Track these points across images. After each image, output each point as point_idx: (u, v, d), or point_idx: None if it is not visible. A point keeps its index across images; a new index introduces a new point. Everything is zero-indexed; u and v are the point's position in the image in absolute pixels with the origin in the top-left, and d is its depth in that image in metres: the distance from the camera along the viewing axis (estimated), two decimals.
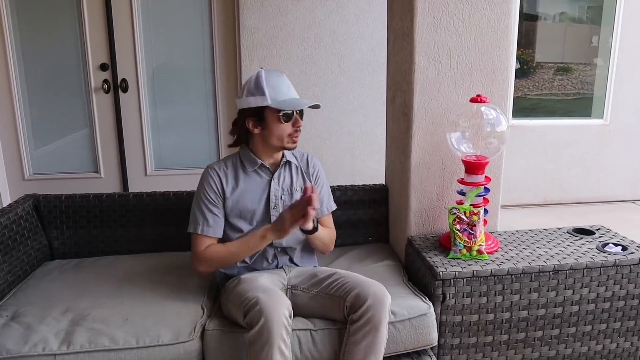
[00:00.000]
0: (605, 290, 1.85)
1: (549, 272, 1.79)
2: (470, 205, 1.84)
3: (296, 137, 1.77)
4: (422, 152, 1.99)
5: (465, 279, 1.75)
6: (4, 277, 1.90)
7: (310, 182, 1.88)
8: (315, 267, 1.91)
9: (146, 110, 3.52)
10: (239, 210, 1.79)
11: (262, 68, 1.77)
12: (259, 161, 1.81)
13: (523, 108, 4.03)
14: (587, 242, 1.99)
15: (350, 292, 1.59)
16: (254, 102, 1.71)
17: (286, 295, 1.72)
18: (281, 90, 1.72)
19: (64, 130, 3.54)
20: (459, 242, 1.81)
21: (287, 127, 1.74)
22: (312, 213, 1.59)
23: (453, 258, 1.84)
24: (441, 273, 1.73)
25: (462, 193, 1.91)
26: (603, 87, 4.00)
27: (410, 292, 1.82)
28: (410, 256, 2.01)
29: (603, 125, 3.99)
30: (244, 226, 1.80)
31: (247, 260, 1.81)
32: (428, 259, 1.84)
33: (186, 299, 1.78)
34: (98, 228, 2.22)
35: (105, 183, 3.60)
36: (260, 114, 1.73)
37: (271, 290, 1.58)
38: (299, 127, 1.76)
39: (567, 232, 2.10)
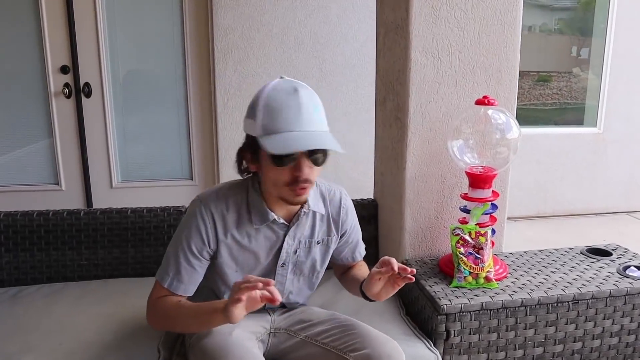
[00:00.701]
0: (630, 322, 1.62)
1: (568, 302, 1.54)
2: (476, 224, 1.58)
3: (299, 190, 1.20)
4: (419, 163, 1.74)
5: (472, 313, 1.48)
6: None
7: (338, 232, 1.44)
8: (305, 305, 1.58)
9: (111, 117, 3.23)
10: (235, 265, 1.36)
11: (282, 77, 1.23)
12: (272, 216, 1.30)
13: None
14: (605, 265, 1.76)
15: (356, 349, 1.27)
16: (247, 127, 1.21)
17: (267, 339, 1.43)
18: (279, 118, 1.15)
19: (21, 138, 3.23)
20: (464, 269, 1.56)
21: (281, 175, 1.19)
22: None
23: (457, 287, 1.58)
24: (445, 307, 1.47)
25: (465, 210, 1.66)
26: (594, 96, 3.86)
27: (410, 333, 1.54)
28: (405, 284, 1.73)
29: (597, 134, 3.82)
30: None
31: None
32: (428, 288, 1.58)
33: (139, 338, 1.48)
34: (43, 251, 1.90)
35: (67, 196, 3.29)
36: (255, 147, 1.21)
37: (245, 356, 1.25)
38: (297, 177, 1.18)
39: (581, 253, 1.86)
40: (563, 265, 1.75)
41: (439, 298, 1.50)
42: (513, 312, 1.51)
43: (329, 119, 3.64)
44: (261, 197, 1.31)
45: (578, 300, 1.55)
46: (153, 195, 3.31)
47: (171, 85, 3.28)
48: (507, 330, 1.52)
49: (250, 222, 1.32)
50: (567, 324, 1.56)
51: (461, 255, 1.56)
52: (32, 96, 3.14)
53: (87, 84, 3.13)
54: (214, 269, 1.37)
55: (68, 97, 3.13)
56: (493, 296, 1.52)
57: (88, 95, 3.15)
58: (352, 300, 1.72)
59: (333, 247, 1.46)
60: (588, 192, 3.83)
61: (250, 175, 1.33)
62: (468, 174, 1.63)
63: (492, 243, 1.66)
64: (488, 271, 1.56)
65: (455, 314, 1.47)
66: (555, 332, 1.56)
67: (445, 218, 1.79)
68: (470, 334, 1.50)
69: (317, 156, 1.19)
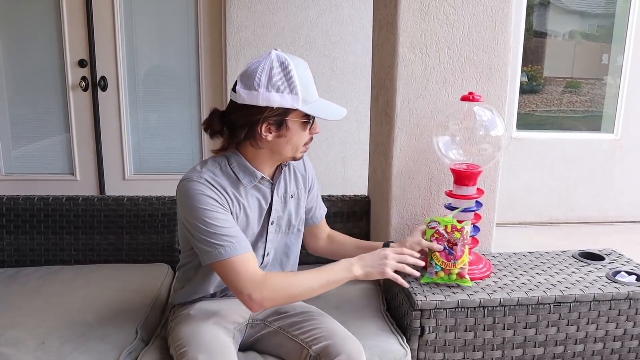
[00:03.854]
0: (616, 328, 1.57)
1: (549, 304, 1.51)
2: (453, 217, 1.55)
3: (307, 147, 1.42)
4: (406, 159, 1.73)
5: (448, 310, 1.47)
6: None
7: (306, 185, 1.55)
8: None
9: (126, 110, 3.32)
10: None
11: (277, 49, 1.33)
12: (259, 173, 1.39)
13: (529, 124, 3.82)
14: (595, 269, 1.71)
15: (318, 342, 1.30)
16: (279, 100, 1.27)
17: (245, 330, 1.46)
18: (312, 90, 1.34)
19: (39, 129, 3.35)
20: (436, 264, 1.52)
21: (306, 135, 1.38)
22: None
23: (428, 282, 1.55)
24: (419, 302, 1.46)
25: (450, 207, 1.65)
26: (614, 103, 3.76)
27: (386, 328, 1.54)
28: (388, 280, 1.73)
29: (614, 140, 3.72)
30: None
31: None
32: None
33: (120, 320, 1.52)
34: (42, 234, 1.97)
35: (81, 186, 3.39)
36: (281, 117, 1.31)
37: (217, 348, 1.27)
38: (313, 134, 1.41)
39: (573, 257, 1.82)
40: (551, 267, 1.72)
41: (415, 294, 1.49)
42: (491, 312, 1.49)
43: None
44: (245, 159, 1.38)
45: (560, 302, 1.51)
46: (164, 187, 3.35)
47: (184, 81, 3.34)
48: (484, 330, 1.50)
49: (241, 183, 1.39)
50: (548, 326, 1.53)
51: (434, 250, 1.53)
52: (52, 89, 3.25)
53: (103, 78, 3.22)
54: None
55: (85, 90, 3.22)
56: (471, 294, 1.50)
57: (104, 88, 3.24)
58: (334, 295, 1.72)
59: (303, 201, 1.55)
60: (603, 200, 3.73)
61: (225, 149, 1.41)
62: (453, 170, 1.61)
63: (476, 241, 1.64)
64: (462, 267, 1.53)
65: (430, 310, 1.46)
66: (536, 334, 1.53)
67: (432, 215, 1.78)
68: (445, 331, 1.48)
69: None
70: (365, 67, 3.32)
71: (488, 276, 1.63)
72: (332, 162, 3.43)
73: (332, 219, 2.00)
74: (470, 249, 1.58)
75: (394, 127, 1.70)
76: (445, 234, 1.52)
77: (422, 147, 1.72)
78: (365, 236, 2.05)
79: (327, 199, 2.02)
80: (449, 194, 1.63)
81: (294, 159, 1.42)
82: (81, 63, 3.19)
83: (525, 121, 3.80)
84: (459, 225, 1.51)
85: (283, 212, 1.48)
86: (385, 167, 1.78)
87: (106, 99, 3.27)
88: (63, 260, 1.98)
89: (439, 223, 1.53)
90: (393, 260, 1.37)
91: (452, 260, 1.51)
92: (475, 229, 1.64)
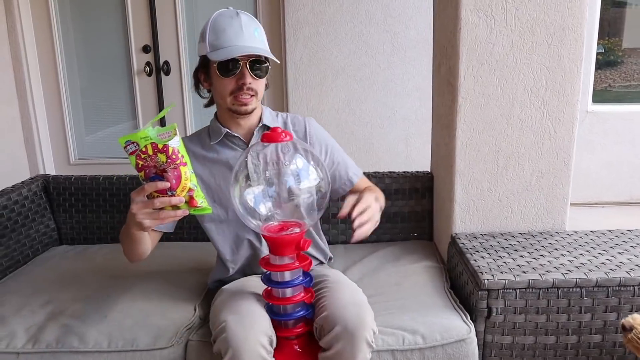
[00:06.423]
0: None
1: (633, 286, 1.37)
2: (154, 127, 1.10)
3: (243, 98, 1.35)
4: (470, 131, 1.62)
5: (518, 291, 1.36)
6: None
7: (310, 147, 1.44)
8: (322, 263, 1.59)
9: (188, 93, 3.37)
10: (212, 194, 1.43)
11: (228, 8, 1.39)
12: (224, 129, 1.42)
13: (606, 101, 3.54)
14: None
15: (320, 313, 1.24)
16: (199, 49, 1.39)
17: None
18: (224, 36, 1.31)
19: (109, 115, 3.47)
20: (156, 195, 1.12)
21: (227, 84, 1.34)
22: None
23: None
24: (486, 281, 1.36)
25: (267, 279, 1.27)
26: None
27: (449, 305, 1.46)
28: (453, 258, 1.64)
29: None
30: (222, 214, 1.44)
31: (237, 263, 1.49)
32: (472, 262, 1.47)
33: (179, 298, 1.53)
34: (108, 213, 2.04)
35: None
36: (207, 66, 1.39)
37: (246, 310, 1.24)
38: (242, 84, 1.33)
39: None
40: (635, 247, 1.56)
41: (481, 272, 1.39)
42: (566, 293, 1.36)
43: (401, 94, 3.48)
44: (217, 120, 1.47)
45: None
46: None
47: None
48: (558, 313, 1.38)
49: (209, 142, 1.46)
50: (632, 311, 1.38)
51: (142, 181, 1.11)
52: (119, 75, 3.35)
53: (166, 62, 3.28)
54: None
55: (149, 75, 3.30)
56: (543, 274, 1.38)
57: (167, 73, 3.30)
58: (394, 273, 1.67)
59: None
60: None
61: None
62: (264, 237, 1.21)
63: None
64: (188, 194, 1.12)
65: (498, 290, 1.36)
66: (618, 319, 1.39)
67: (499, 190, 1.66)
68: (515, 313, 1.38)
69: (257, 67, 1.35)
70: (427, 43, 3.17)
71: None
72: (394, 140, 3.33)
73: (394, 196, 1.94)
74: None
75: (457, 96, 1.59)
76: (149, 159, 1.08)
77: (488, 118, 1.60)
78: (429, 214, 1.96)
79: (388, 176, 1.96)
80: (264, 264, 1.23)
81: (232, 110, 1.40)
82: (145, 49, 3.27)
83: (601, 98, 3.52)
84: (160, 144, 1.08)
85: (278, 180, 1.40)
86: (449, 141, 1.67)
87: (169, 83, 3.34)
88: None
89: (137, 144, 1.07)
90: (139, 212, 1.13)
91: (170, 192, 1.10)
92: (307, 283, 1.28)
